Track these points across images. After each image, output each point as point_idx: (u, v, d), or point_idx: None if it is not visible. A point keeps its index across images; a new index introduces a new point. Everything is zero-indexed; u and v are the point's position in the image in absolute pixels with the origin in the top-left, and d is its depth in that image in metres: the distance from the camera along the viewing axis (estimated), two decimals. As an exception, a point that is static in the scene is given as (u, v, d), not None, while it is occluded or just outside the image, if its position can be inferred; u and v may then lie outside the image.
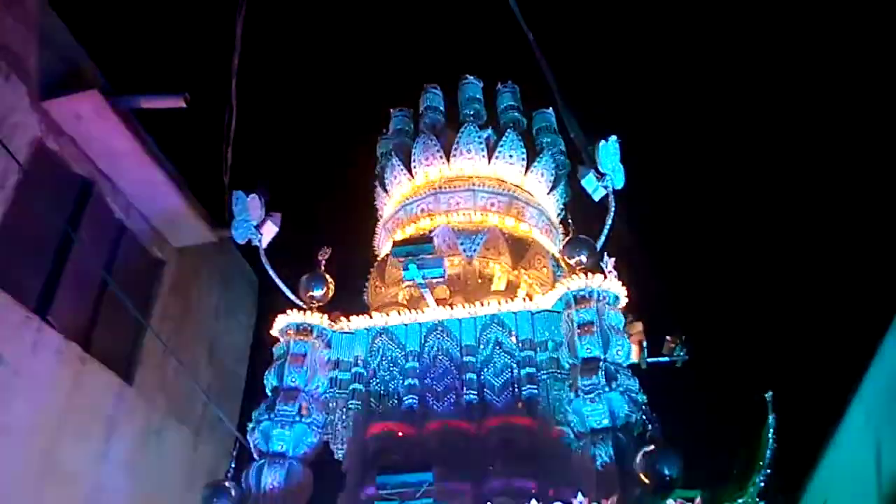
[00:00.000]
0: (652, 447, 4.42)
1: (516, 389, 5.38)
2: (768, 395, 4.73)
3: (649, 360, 5.85)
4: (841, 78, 11.41)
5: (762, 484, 4.26)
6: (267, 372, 5.59)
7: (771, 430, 4.51)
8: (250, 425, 5.38)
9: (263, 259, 6.10)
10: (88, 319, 7.02)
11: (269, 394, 5.51)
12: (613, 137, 6.08)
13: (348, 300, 6.54)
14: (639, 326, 6.00)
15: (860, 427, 4.83)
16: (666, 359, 5.79)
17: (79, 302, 6.94)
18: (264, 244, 6.14)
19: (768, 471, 4.34)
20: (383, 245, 7.02)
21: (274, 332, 5.79)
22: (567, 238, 5.80)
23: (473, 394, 5.36)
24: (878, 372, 4.80)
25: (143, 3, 10.49)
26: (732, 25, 12.15)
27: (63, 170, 6.94)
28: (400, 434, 5.30)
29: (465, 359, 5.49)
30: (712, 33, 12.18)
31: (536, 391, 5.31)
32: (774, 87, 11.99)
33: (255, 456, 5.28)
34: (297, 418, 5.25)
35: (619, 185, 6.08)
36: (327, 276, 5.97)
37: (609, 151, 6.04)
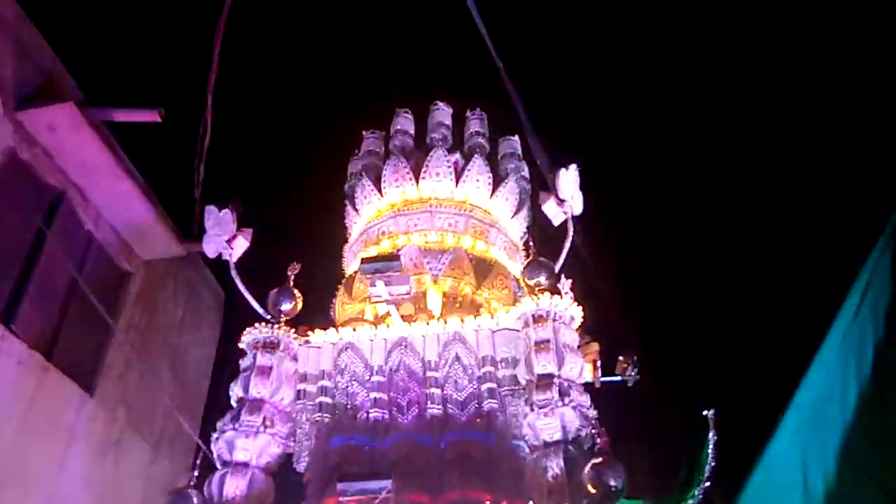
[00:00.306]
0: (600, 459, 4.74)
1: (477, 404, 5.66)
2: (709, 413, 5.13)
3: (602, 378, 6.22)
4: (786, 125, 12.25)
5: (700, 496, 4.61)
6: (233, 383, 5.78)
7: (710, 446, 4.89)
8: (214, 435, 5.56)
9: (233, 273, 6.30)
10: (53, 329, 7.11)
11: (235, 405, 5.69)
12: (573, 166, 6.48)
13: (315, 315, 6.78)
14: (594, 346, 6.36)
15: (787, 447, 5.26)
16: (618, 378, 6.15)
17: (44, 312, 7.04)
18: (234, 258, 6.35)
19: (707, 483, 4.70)
20: (351, 262, 7.29)
21: (242, 344, 5.99)
22: (528, 260, 6.15)
23: (437, 408, 5.62)
24: (803, 397, 5.25)
25: (122, 18, 10.71)
26: (689, 63, 12.89)
27: (35, 180, 7.07)
28: (361, 446, 5.54)
29: (428, 374, 5.75)
30: (670, 69, 12.91)
31: (496, 406, 5.60)
32: (725, 129, 12.74)
33: (218, 465, 5.45)
34: (262, 429, 5.44)
35: (578, 211, 6.48)
36: (296, 291, 6.21)
37: (569, 179, 6.44)
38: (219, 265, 8.56)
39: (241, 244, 6.36)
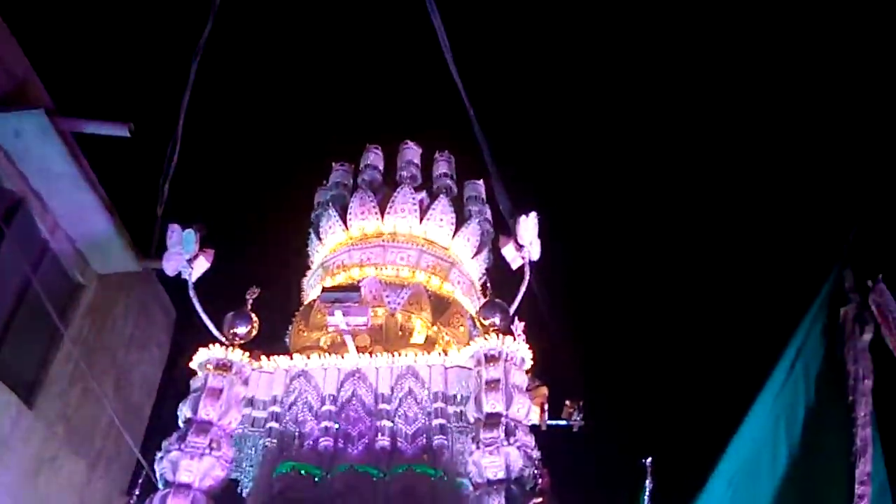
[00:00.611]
0: (539, 500, 4.91)
1: (426, 439, 5.78)
2: (647, 461, 5.37)
3: (549, 422, 6.42)
4: (731, 188, 13.06)
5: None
6: (182, 403, 5.78)
7: (647, 492, 5.12)
8: (159, 454, 5.53)
9: (191, 292, 6.35)
10: (-3, 337, 7.00)
11: (182, 425, 5.69)
12: (533, 213, 6.79)
13: (270, 341, 6.84)
14: (543, 390, 6.59)
15: (717, 500, 5.53)
16: (564, 422, 6.36)
17: (-11, 318, 6.94)
18: (194, 278, 6.40)
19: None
20: (311, 290, 7.40)
21: (194, 364, 6.01)
22: (485, 300, 6.37)
23: (386, 440, 5.72)
24: (735, 450, 5.54)
25: (99, 30, 10.79)
26: (644, 124, 13.66)
27: (-7, 184, 7.04)
28: (307, 474, 5.58)
29: (379, 406, 5.86)
30: (627, 128, 13.65)
31: (445, 441, 5.73)
32: (679, 181, 13.48)
33: (160, 485, 5.42)
34: (207, 451, 5.44)
35: (535, 257, 6.76)
36: (253, 315, 6.28)
37: (528, 226, 6.74)
38: (172, 284, 8.62)
39: (202, 264, 6.42)
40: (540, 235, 6.76)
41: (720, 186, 13.15)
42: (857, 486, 5.09)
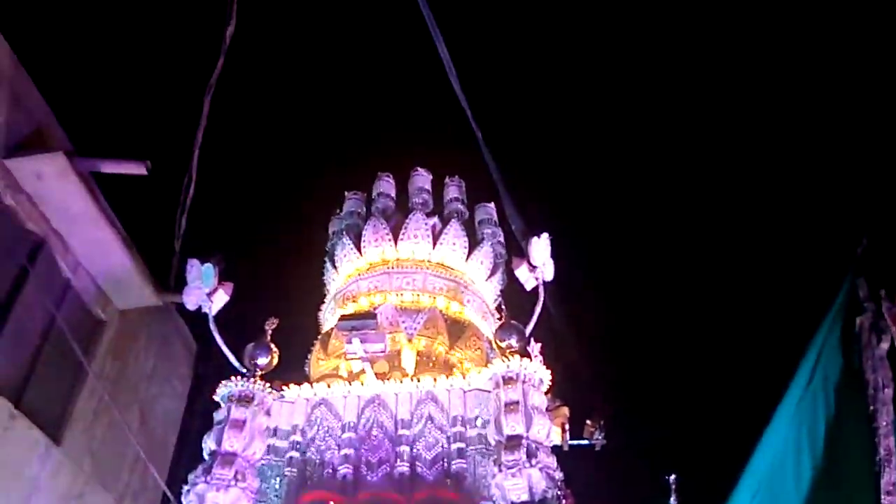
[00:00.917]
0: (565, 520, 4.95)
1: (446, 463, 5.83)
2: (670, 478, 5.40)
3: (571, 442, 6.46)
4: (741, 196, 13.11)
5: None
6: (206, 435, 5.88)
7: (672, 510, 5.14)
8: (185, 487, 5.63)
9: (212, 326, 6.47)
10: (24, 376, 7.15)
11: (207, 457, 5.79)
12: (545, 234, 6.87)
13: (290, 371, 6.94)
14: (564, 410, 6.64)
15: None
16: (585, 442, 6.40)
17: (17, 358, 7.09)
18: (214, 312, 6.53)
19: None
20: (328, 319, 7.51)
21: (217, 397, 6.11)
22: (500, 322, 6.44)
23: (406, 466, 5.78)
24: (757, 464, 5.54)
25: (114, 71, 11.10)
26: (656, 139, 13.77)
27: (17, 225, 7.24)
28: (331, 503, 5.65)
29: (399, 432, 5.93)
30: (640, 144, 13.77)
31: (465, 466, 5.77)
32: (692, 196, 13.55)
33: (188, 518, 5.51)
34: (233, 483, 5.53)
35: (549, 278, 6.82)
36: (272, 346, 6.39)
37: (541, 247, 6.82)
38: (191, 317, 8.77)
39: (221, 298, 6.55)
40: (553, 256, 6.82)
41: (732, 201, 13.22)
42: (883, 497, 5.09)
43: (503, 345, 6.12)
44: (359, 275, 7.50)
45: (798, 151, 12.63)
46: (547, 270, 6.81)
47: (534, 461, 5.35)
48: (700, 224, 13.18)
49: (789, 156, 12.79)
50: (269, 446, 6.01)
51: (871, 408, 5.32)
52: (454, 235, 7.64)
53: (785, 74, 13.13)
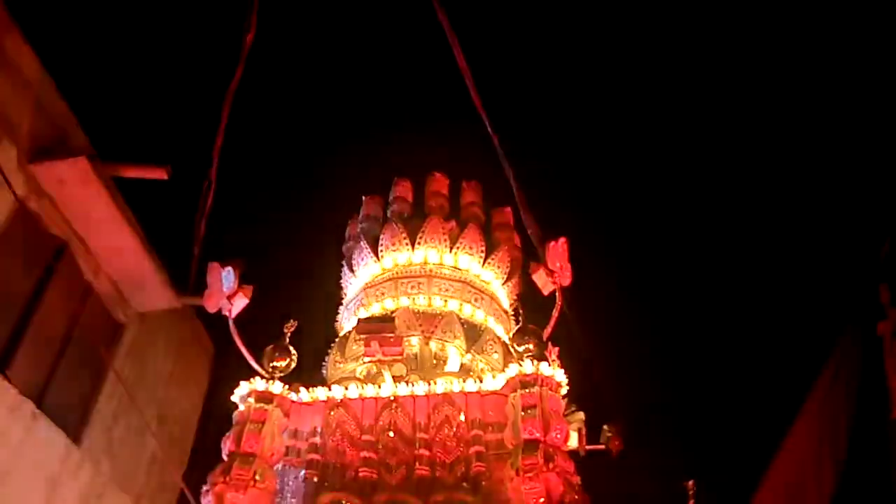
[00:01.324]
0: (582, 525, 4.95)
1: (465, 467, 5.85)
2: (688, 483, 5.38)
3: (587, 447, 6.45)
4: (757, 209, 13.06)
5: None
6: (225, 436, 5.94)
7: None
8: (205, 487, 5.69)
9: (232, 328, 6.55)
10: (45, 376, 7.29)
11: (225, 458, 5.84)
12: (563, 239, 6.89)
13: (306, 374, 7.00)
14: (580, 415, 6.62)
15: None
16: (602, 447, 6.38)
17: (38, 359, 7.23)
18: (234, 315, 6.61)
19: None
20: (346, 322, 7.57)
21: (235, 397, 6.18)
22: (517, 327, 6.45)
23: (424, 469, 5.80)
24: (782, 464, 5.51)
25: (136, 77, 11.29)
26: (674, 138, 13.74)
27: (40, 230, 7.39)
28: (348, 505, 5.68)
29: (417, 435, 5.95)
30: (657, 145, 13.74)
31: (483, 469, 5.79)
32: (716, 197, 13.50)
33: (207, 519, 5.56)
34: (252, 483, 5.59)
35: (566, 283, 6.84)
36: (291, 348, 6.45)
37: (557, 252, 6.84)
38: (209, 320, 8.86)
39: (241, 301, 6.63)
40: (570, 260, 6.84)
41: (754, 206, 13.16)
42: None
43: (520, 349, 6.14)
44: (376, 279, 7.56)
45: (822, 154, 12.55)
46: (564, 275, 6.82)
47: (551, 465, 5.36)
48: (722, 228, 13.15)
49: (813, 158, 12.70)
50: (287, 447, 6.05)
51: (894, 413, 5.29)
52: (471, 239, 7.67)
53: (810, 81, 13.05)
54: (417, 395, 6.15)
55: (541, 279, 6.84)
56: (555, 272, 6.78)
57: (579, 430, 6.34)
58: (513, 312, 7.68)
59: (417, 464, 5.84)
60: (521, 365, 5.92)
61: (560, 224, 7.35)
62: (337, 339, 7.34)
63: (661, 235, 13.36)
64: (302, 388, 6.33)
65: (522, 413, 5.63)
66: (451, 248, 7.60)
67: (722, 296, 12.71)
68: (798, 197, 12.66)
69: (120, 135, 9.13)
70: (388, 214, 8.17)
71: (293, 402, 6.22)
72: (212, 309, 6.67)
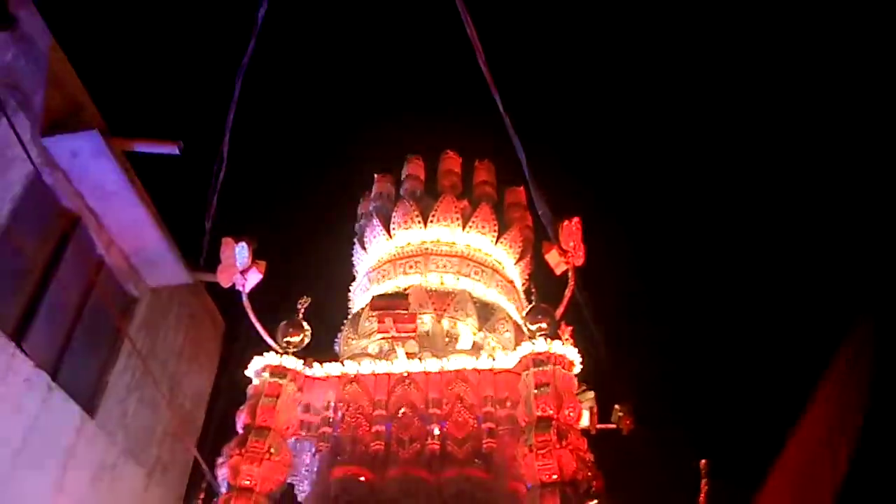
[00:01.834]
0: (595, 502, 4.98)
1: (476, 442, 5.88)
2: (701, 462, 5.40)
3: (599, 426, 6.47)
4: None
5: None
6: (239, 409, 5.98)
7: (702, 494, 5.14)
8: (220, 459, 5.74)
9: (245, 303, 6.56)
10: (59, 349, 7.29)
11: (240, 431, 5.88)
12: (576, 219, 6.86)
13: (319, 350, 7.01)
14: (591, 394, 6.64)
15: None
16: (613, 426, 6.41)
17: (53, 332, 7.23)
18: (248, 290, 6.61)
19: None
20: (358, 299, 7.57)
21: (249, 372, 6.21)
22: (530, 306, 6.45)
23: (436, 444, 5.84)
24: (795, 449, 5.52)
25: (149, 51, 11.20)
26: (691, 120, 13.60)
27: (54, 203, 7.35)
28: (362, 479, 5.73)
29: (430, 410, 5.99)
30: (676, 125, 13.61)
31: (495, 445, 5.82)
32: (732, 184, 13.40)
33: (223, 489, 5.61)
34: (267, 456, 5.63)
35: (579, 263, 6.82)
36: (304, 323, 6.46)
37: (571, 231, 6.81)
38: (220, 295, 8.88)
39: (255, 276, 6.64)
40: (583, 240, 6.81)
41: (772, 187, 13.05)
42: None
43: (533, 327, 6.15)
44: (389, 256, 7.54)
45: (849, 139, 12.41)
46: (577, 255, 6.80)
47: (564, 442, 5.38)
48: (739, 209, 13.05)
49: (839, 142, 12.56)
50: (301, 421, 6.09)
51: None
52: (483, 219, 7.66)
53: (837, 57, 12.82)
54: (430, 372, 6.18)
55: (554, 259, 6.82)
56: (568, 252, 6.76)
57: (591, 409, 6.36)
58: (524, 292, 7.68)
59: (430, 439, 5.88)
60: (534, 343, 5.93)
61: (573, 204, 7.31)
62: (349, 316, 7.35)
63: (676, 215, 13.25)
64: (315, 364, 6.35)
65: (535, 391, 5.66)
66: (464, 227, 7.60)
67: (738, 278, 12.63)
68: (820, 179, 12.53)
69: (133, 109, 9.09)
70: (401, 192, 8.15)
71: (307, 376, 6.26)
72: (225, 284, 6.68)
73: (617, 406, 6.43)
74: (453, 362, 6.23)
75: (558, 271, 6.91)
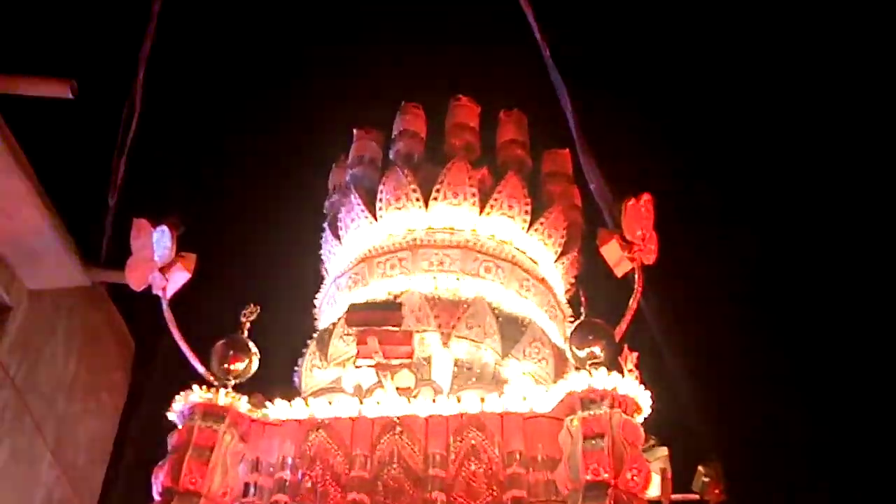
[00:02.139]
0: None
1: (497, 519, 5.92)
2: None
3: (674, 496, 6.51)
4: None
5: None
6: (157, 467, 6.03)
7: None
8: (128, 539, 5.82)
9: (166, 313, 6.59)
10: None
11: (157, 497, 5.94)
12: (646, 196, 6.86)
13: (272, 381, 7.08)
14: (662, 451, 6.67)
15: None
16: (696, 496, 6.44)
17: None
18: (169, 294, 6.66)
19: None
20: (329, 310, 7.63)
21: (172, 414, 6.26)
22: (577, 322, 6.47)
23: (439, 520, 5.89)
24: None
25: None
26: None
27: None
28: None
29: (430, 472, 6.02)
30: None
31: (524, 523, 5.86)
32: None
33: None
34: (196, 536, 5.69)
35: (650, 260, 6.82)
36: (251, 345, 6.51)
37: (639, 214, 6.81)
38: (130, 302, 8.94)
39: (180, 275, 6.67)
40: (658, 228, 6.82)
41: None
42: None
43: (582, 354, 6.16)
44: (373, 249, 7.59)
45: None
46: (648, 248, 6.81)
47: (624, 519, 5.42)
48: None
49: None
50: (246, 485, 6.14)
51: None
52: (510, 194, 7.69)
53: None
54: (432, 416, 6.21)
55: (614, 254, 6.81)
56: (634, 244, 6.76)
57: (662, 472, 6.39)
58: (568, 301, 7.71)
59: (430, 513, 5.91)
60: (581, 376, 5.95)
61: (643, 175, 7.32)
62: (316, 334, 7.40)
63: (801, 192, 13.08)
64: (267, 402, 6.40)
65: (584, 444, 5.68)
66: (482, 207, 7.62)
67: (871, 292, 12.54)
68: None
69: (13, 43, 9.09)
70: (391, 156, 8.18)
71: (254, 420, 6.30)
72: (137, 285, 6.72)
73: (701, 468, 6.45)
74: (465, 403, 6.27)
75: (619, 272, 6.93)
